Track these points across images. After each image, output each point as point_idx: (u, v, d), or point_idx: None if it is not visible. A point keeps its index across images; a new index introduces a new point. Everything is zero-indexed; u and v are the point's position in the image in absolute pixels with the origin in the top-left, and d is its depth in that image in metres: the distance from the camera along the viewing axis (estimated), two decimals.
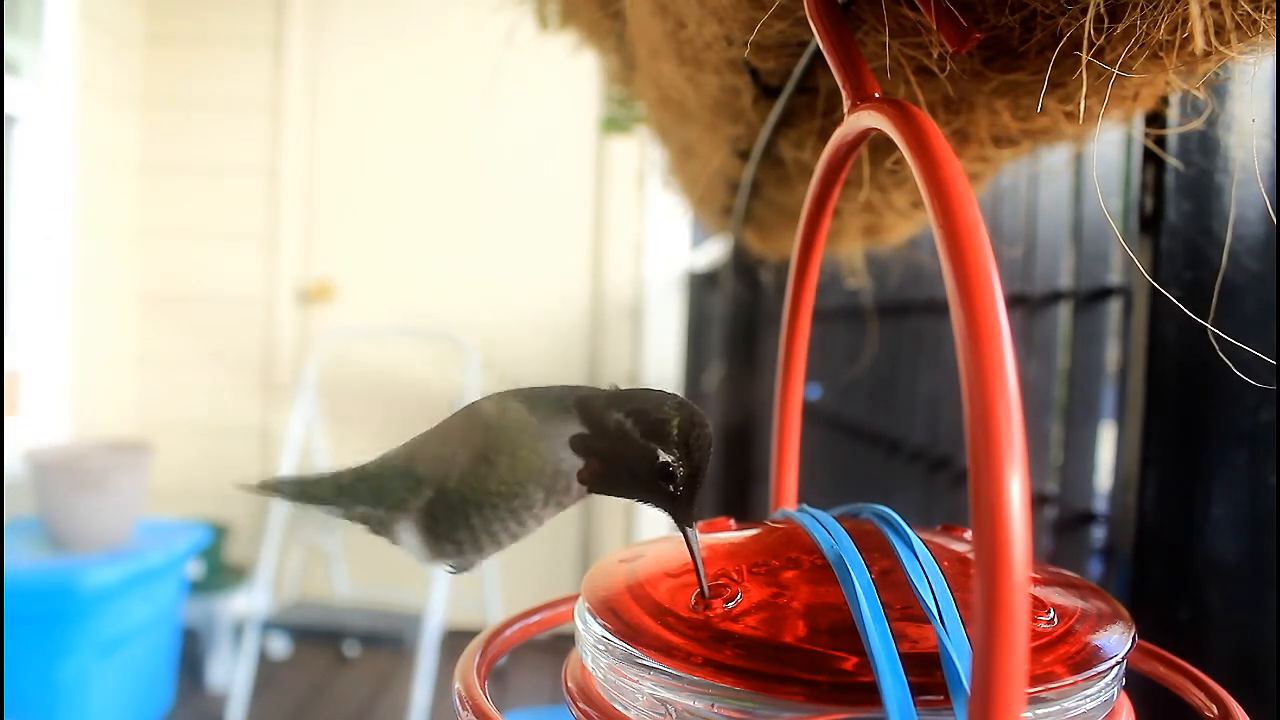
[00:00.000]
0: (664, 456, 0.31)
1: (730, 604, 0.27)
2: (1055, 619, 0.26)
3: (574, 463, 0.32)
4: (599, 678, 0.28)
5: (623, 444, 0.31)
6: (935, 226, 0.21)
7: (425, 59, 2.75)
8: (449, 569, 0.35)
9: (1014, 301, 0.68)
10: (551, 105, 2.69)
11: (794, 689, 0.24)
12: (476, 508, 0.33)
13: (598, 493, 0.33)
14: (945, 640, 0.24)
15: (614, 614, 0.28)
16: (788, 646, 0.25)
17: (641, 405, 0.32)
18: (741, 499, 1.74)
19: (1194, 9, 0.26)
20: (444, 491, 0.33)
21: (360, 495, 0.35)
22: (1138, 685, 0.30)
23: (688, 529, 0.30)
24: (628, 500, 0.33)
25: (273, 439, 2.72)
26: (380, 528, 0.35)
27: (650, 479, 0.31)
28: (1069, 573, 0.32)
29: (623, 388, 0.33)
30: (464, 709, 0.28)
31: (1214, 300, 0.42)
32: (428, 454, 0.35)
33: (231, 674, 2.33)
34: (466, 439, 0.33)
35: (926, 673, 0.23)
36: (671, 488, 0.31)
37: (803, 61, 0.41)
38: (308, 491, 0.36)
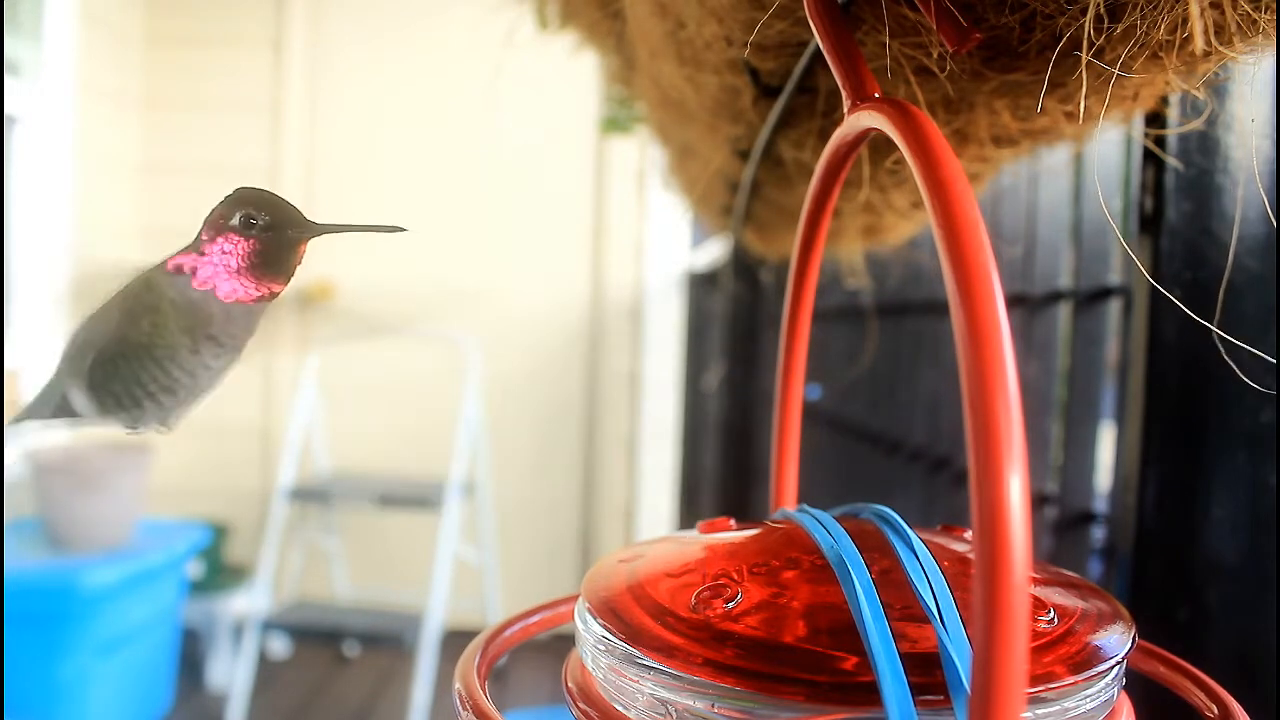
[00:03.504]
0: (236, 216, 0.34)
1: (730, 604, 0.27)
2: (1055, 619, 0.26)
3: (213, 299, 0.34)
4: (599, 678, 0.28)
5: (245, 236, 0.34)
6: (935, 226, 0.21)
7: (425, 59, 2.75)
8: (127, 430, 0.37)
9: (1014, 301, 0.68)
10: (551, 105, 2.69)
11: (794, 689, 0.24)
12: (124, 361, 0.35)
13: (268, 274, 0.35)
14: (945, 640, 0.24)
15: (614, 614, 0.28)
16: (788, 646, 0.25)
17: (226, 218, 0.34)
18: (741, 499, 1.74)
19: (1194, 9, 0.26)
20: (102, 351, 0.36)
21: (57, 381, 0.38)
22: (1138, 685, 0.30)
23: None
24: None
25: (273, 439, 2.72)
26: (67, 405, 0.37)
27: (271, 240, 0.34)
28: (1069, 573, 0.32)
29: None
30: (464, 709, 0.28)
31: (1219, 301, 0.42)
32: (90, 321, 0.38)
33: (231, 674, 2.33)
34: (119, 301, 0.37)
35: (926, 673, 0.23)
36: (263, 228, 0.34)
37: (803, 61, 0.41)
38: (36, 406, 0.39)
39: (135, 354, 0.35)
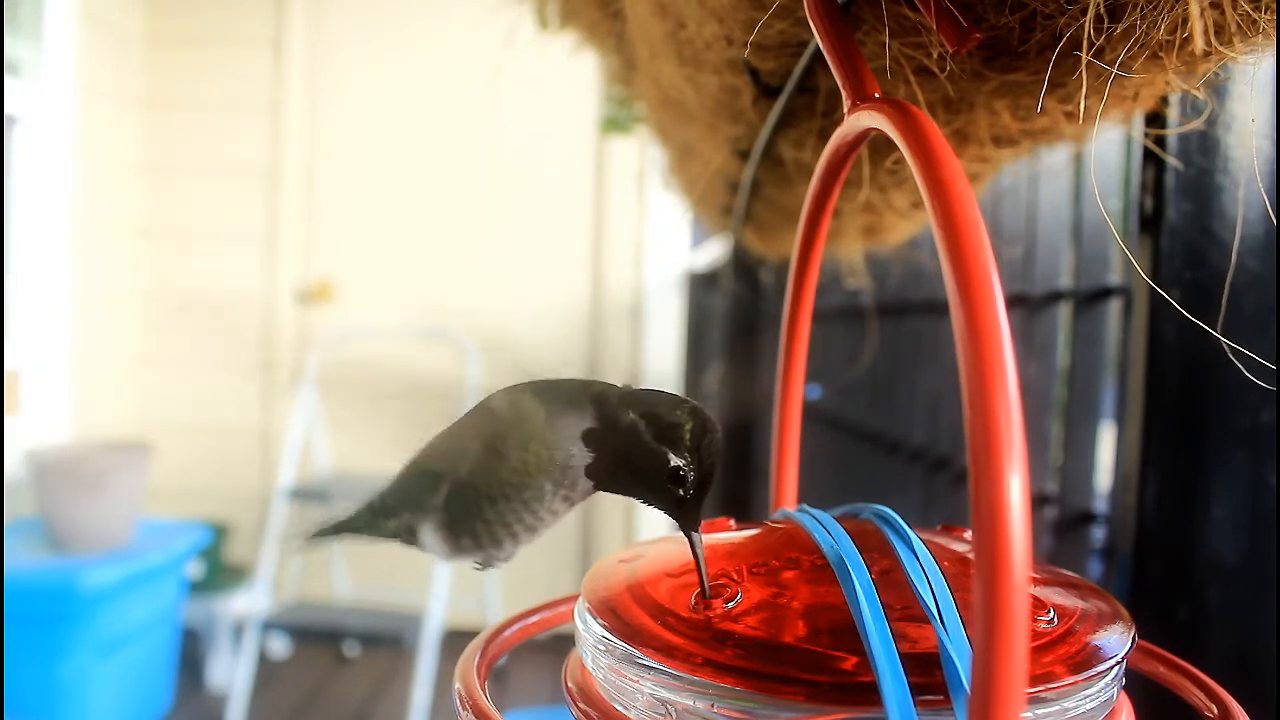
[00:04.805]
0: (675, 460, 0.31)
1: (730, 604, 0.27)
2: (1055, 619, 0.26)
3: (584, 458, 0.32)
4: (599, 678, 0.28)
5: (634, 444, 0.31)
6: (935, 226, 0.21)
7: (425, 59, 2.75)
8: (475, 566, 0.35)
9: (1014, 301, 0.68)
10: (551, 105, 2.69)
11: (794, 689, 0.24)
12: (489, 501, 0.33)
13: (605, 490, 0.33)
14: (945, 640, 0.24)
15: (614, 614, 0.28)
16: (788, 646, 0.25)
17: (655, 407, 0.32)
18: (741, 499, 1.74)
19: (1194, 9, 0.26)
20: (457, 485, 0.34)
21: (389, 509, 0.36)
22: (1138, 685, 0.30)
23: (693, 534, 0.30)
24: (629, 500, 0.33)
25: (273, 439, 2.72)
26: (410, 536, 0.36)
27: (659, 482, 0.31)
28: (1069, 573, 0.32)
29: (636, 387, 0.33)
30: (464, 709, 0.28)
31: (1224, 301, 0.42)
32: (440, 449, 0.35)
33: (231, 674, 2.33)
34: (478, 432, 0.34)
35: (926, 673, 0.23)
36: (681, 492, 0.31)
37: (803, 61, 0.41)
38: (350, 526, 0.37)
39: (502, 494, 0.33)
